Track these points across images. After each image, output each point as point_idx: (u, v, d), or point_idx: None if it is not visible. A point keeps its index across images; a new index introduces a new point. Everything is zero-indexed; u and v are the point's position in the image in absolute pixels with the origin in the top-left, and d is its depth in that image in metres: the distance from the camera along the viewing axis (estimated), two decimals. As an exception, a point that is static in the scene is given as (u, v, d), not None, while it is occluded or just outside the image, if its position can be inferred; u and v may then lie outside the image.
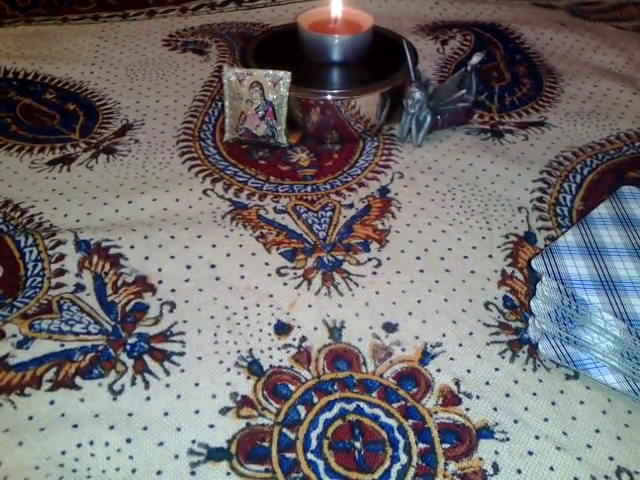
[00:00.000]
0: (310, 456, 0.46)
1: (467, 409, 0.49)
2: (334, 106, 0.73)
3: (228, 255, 0.61)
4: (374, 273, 0.60)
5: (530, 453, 0.46)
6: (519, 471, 0.45)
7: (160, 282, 0.58)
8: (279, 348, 0.53)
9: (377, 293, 0.58)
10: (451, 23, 1.03)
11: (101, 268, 0.59)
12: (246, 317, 0.56)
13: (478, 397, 0.50)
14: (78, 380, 0.50)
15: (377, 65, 0.78)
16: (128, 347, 0.53)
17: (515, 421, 0.48)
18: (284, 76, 0.71)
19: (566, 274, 0.50)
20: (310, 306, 0.57)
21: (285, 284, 0.58)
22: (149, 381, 0.50)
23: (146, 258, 0.60)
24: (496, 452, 0.46)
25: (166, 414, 0.48)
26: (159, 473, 0.45)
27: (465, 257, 0.62)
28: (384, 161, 0.74)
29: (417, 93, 0.73)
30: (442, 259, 0.61)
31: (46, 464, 0.45)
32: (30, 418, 0.48)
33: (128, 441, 0.46)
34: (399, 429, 0.48)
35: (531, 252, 0.62)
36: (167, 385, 0.50)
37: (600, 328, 0.48)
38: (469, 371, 0.52)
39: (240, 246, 0.62)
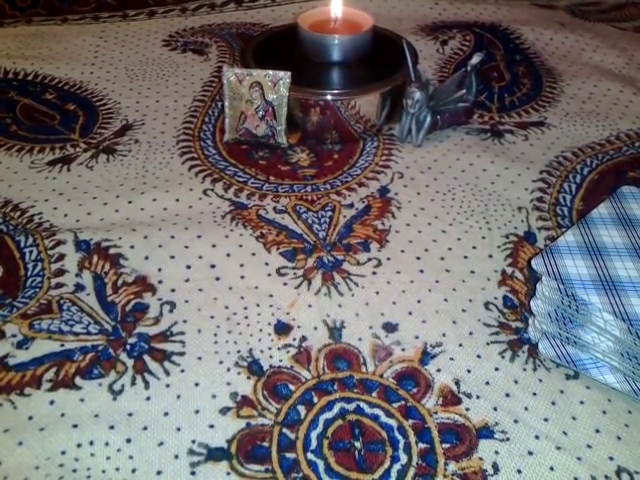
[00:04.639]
0: (310, 456, 0.46)
1: (467, 409, 0.49)
2: (334, 106, 0.73)
3: (228, 255, 0.61)
4: (374, 273, 0.60)
5: (530, 453, 0.46)
6: (519, 471, 0.45)
7: (160, 282, 0.58)
8: (279, 348, 0.53)
9: (377, 293, 0.58)
10: (451, 23, 1.03)
11: (101, 268, 0.59)
12: (246, 317, 0.56)
13: (478, 397, 0.50)
14: (78, 380, 0.50)
15: (377, 65, 0.78)
16: (128, 347, 0.53)
17: (515, 421, 0.48)
18: (284, 76, 0.71)
19: (566, 274, 0.50)
20: (310, 306, 0.57)
21: (285, 284, 0.58)
22: (149, 381, 0.50)
23: (146, 258, 0.60)
24: (496, 452, 0.46)
25: (166, 414, 0.48)
26: (159, 473, 0.45)
27: (465, 257, 0.62)
28: (384, 161, 0.74)
29: (417, 93, 0.73)
30: (442, 259, 0.61)
31: (46, 464, 0.45)
32: (30, 418, 0.48)
33: (128, 441, 0.46)
34: (399, 429, 0.48)
35: (531, 252, 0.62)
36: (167, 385, 0.50)
37: (600, 328, 0.48)
38: (469, 371, 0.52)
39: (240, 246, 0.62)
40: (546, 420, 0.48)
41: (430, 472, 0.45)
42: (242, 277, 0.59)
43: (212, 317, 0.55)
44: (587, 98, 0.86)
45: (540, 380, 0.51)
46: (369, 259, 0.61)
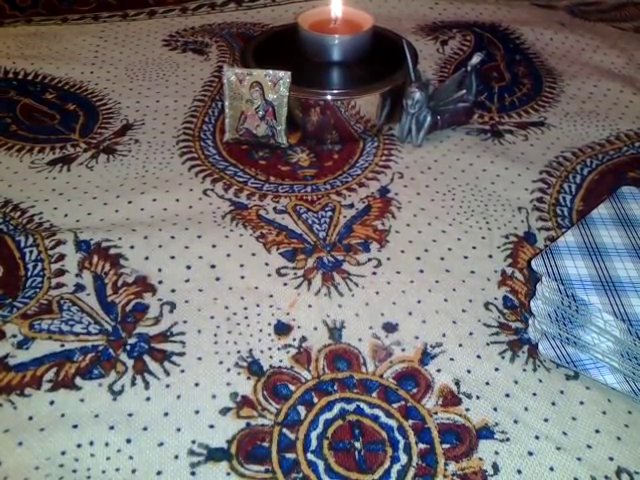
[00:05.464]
0: (310, 456, 0.46)
1: (467, 409, 0.49)
2: (334, 106, 0.73)
3: (228, 255, 0.61)
4: (374, 273, 0.60)
5: (530, 453, 0.46)
6: (519, 471, 0.45)
7: (160, 282, 0.58)
8: (279, 348, 0.53)
9: (377, 293, 0.58)
10: (451, 23, 1.03)
11: (101, 268, 0.59)
12: (246, 317, 0.56)
13: (478, 397, 0.50)
14: (78, 380, 0.50)
15: (377, 65, 0.78)
16: (128, 347, 0.53)
17: (515, 421, 0.48)
18: (284, 76, 0.71)
19: (566, 274, 0.50)
20: (310, 306, 0.57)
21: (285, 284, 0.58)
22: (149, 381, 0.50)
23: (146, 258, 0.60)
24: (496, 452, 0.46)
25: (166, 414, 0.48)
26: (159, 473, 0.45)
27: (465, 257, 0.62)
28: (384, 161, 0.74)
29: (417, 93, 0.73)
30: (442, 259, 0.61)
31: (46, 464, 0.45)
32: (30, 418, 0.48)
33: (128, 441, 0.46)
34: (399, 429, 0.48)
35: (531, 252, 0.62)
36: (167, 385, 0.50)
37: (600, 328, 0.48)
38: (469, 371, 0.52)
39: (240, 246, 0.62)
40: (546, 420, 0.48)
41: (430, 472, 0.45)
42: (242, 277, 0.59)
43: (212, 317, 0.55)
44: (587, 98, 0.86)
45: (540, 380, 0.51)
46: (369, 259, 0.61)
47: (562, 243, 0.53)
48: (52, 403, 0.49)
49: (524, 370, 0.52)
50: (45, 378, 0.50)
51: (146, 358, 0.52)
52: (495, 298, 0.58)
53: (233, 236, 0.63)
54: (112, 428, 0.47)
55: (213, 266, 0.60)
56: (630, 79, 0.90)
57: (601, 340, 0.49)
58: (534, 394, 0.50)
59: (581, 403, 0.50)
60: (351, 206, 0.67)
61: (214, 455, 0.46)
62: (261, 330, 0.54)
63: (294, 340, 0.54)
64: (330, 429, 0.48)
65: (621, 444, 0.47)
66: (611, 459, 0.46)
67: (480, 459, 0.46)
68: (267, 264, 0.60)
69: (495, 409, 0.49)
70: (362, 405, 0.49)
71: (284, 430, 0.47)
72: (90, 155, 0.74)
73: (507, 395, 0.50)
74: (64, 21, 1.02)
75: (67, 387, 0.50)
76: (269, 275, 0.59)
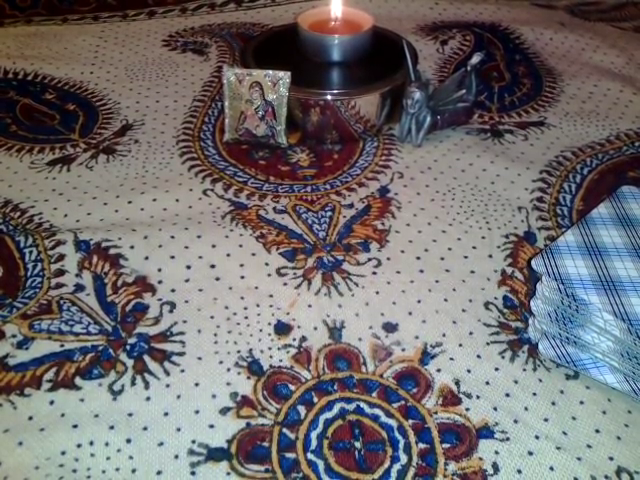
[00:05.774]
0: (310, 456, 0.46)
1: (467, 409, 0.49)
2: (334, 106, 0.73)
3: (228, 255, 0.61)
4: (374, 273, 0.60)
5: (530, 453, 0.46)
6: (519, 471, 0.45)
7: (160, 282, 0.58)
8: (279, 348, 0.53)
9: (377, 293, 0.58)
10: (451, 23, 1.03)
11: (101, 268, 0.59)
12: (246, 317, 0.56)
13: (478, 397, 0.50)
14: (78, 380, 0.50)
15: (377, 65, 0.78)
16: (128, 347, 0.53)
17: (515, 421, 0.48)
18: (284, 76, 0.71)
19: (566, 274, 0.50)
20: (310, 306, 0.57)
21: (285, 284, 0.58)
22: (149, 381, 0.50)
23: (146, 258, 0.60)
24: (496, 452, 0.46)
25: (166, 414, 0.48)
26: (159, 473, 0.45)
27: (465, 257, 0.62)
28: (384, 161, 0.74)
29: (417, 93, 0.73)
30: (442, 259, 0.61)
31: (46, 464, 0.45)
32: (30, 418, 0.48)
33: (128, 441, 0.46)
34: (399, 429, 0.48)
35: (531, 252, 0.62)
36: (167, 385, 0.50)
37: (600, 328, 0.48)
38: (469, 371, 0.52)
39: (240, 246, 0.62)
40: (546, 420, 0.48)
41: (430, 472, 0.45)
42: (242, 277, 0.59)
43: (212, 317, 0.55)
44: (587, 98, 0.86)
45: (540, 380, 0.51)
46: (369, 259, 0.61)
47: (562, 243, 0.53)
48: (52, 403, 0.49)
49: (524, 370, 0.52)
50: (45, 378, 0.50)
51: (146, 358, 0.52)
52: (495, 298, 0.58)
53: (233, 236, 0.63)
54: (112, 428, 0.47)
55: (213, 266, 0.60)
56: (630, 79, 0.90)
57: (601, 340, 0.49)
58: (534, 394, 0.50)
59: (581, 403, 0.50)
60: (351, 206, 0.67)
61: (214, 455, 0.46)
62: (261, 330, 0.54)
63: (294, 340, 0.54)
64: (330, 429, 0.48)
65: (621, 444, 0.47)
66: (611, 459, 0.46)
67: (480, 459, 0.46)
68: (267, 264, 0.60)
69: (495, 409, 0.49)
70: (362, 405, 0.49)
71: (284, 430, 0.47)
72: (90, 155, 0.74)
73: (507, 395, 0.50)
74: (64, 21, 1.02)
75: (67, 387, 0.50)
76: (269, 275, 0.59)
